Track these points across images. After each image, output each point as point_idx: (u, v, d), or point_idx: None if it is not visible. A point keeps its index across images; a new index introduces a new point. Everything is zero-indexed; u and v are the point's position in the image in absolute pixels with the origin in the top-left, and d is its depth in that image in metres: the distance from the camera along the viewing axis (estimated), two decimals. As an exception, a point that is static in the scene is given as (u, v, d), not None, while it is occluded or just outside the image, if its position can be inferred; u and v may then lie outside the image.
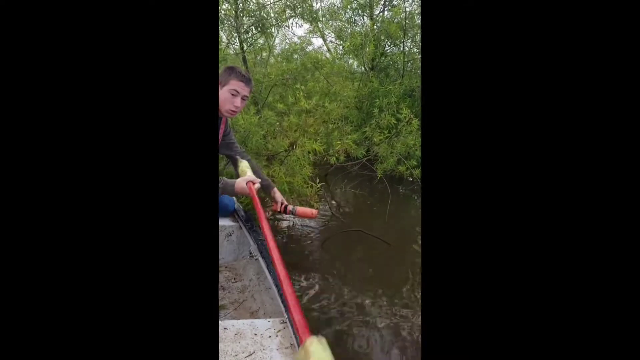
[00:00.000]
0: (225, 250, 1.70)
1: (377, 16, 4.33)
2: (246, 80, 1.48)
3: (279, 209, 1.83)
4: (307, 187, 2.48)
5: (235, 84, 1.45)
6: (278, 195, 1.85)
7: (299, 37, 6.19)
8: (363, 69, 4.33)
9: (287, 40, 6.39)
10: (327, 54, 5.34)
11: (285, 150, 2.63)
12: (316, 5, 5.40)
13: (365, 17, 4.50)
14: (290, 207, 1.82)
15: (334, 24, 4.85)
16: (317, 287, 1.86)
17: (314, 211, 1.82)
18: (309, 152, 2.47)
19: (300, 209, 1.82)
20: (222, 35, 3.38)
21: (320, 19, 5.24)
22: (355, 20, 4.53)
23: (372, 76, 3.93)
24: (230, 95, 1.45)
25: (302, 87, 3.22)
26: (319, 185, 2.47)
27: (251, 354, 0.92)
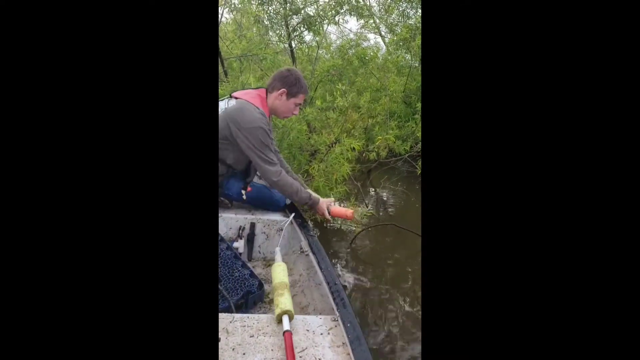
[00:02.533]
0: (277, 244, 1.68)
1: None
2: (307, 92, 1.70)
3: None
4: (342, 187, 2.48)
5: (301, 98, 1.66)
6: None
7: (355, 34, 6.19)
8: (415, 62, 4.21)
9: (343, 37, 6.43)
10: (383, 49, 5.27)
11: (328, 147, 2.67)
12: (371, 1, 5.35)
13: (419, 10, 4.36)
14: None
15: (389, 18, 4.77)
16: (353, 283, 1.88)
17: (349, 211, 1.73)
18: (348, 150, 2.47)
19: (335, 210, 1.74)
20: (273, 35, 3.51)
21: (376, 13, 5.19)
22: (408, 13, 4.42)
23: (420, 69, 3.81)
24: (294, 106, 1.65)
25: (342, 85, 3.23)
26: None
27: (304, 350, 0.94)
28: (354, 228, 2.40)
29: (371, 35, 6.08)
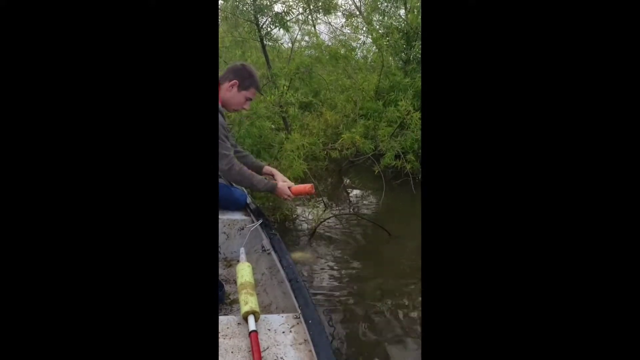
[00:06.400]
0: (238, 244, 1.68)
1: (410, 8, 4.11)
2: (259, 87, 1.72)
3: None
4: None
5: (253, 93, 1.67)
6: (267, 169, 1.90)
7: (343, 34, 6.16)
8: (396, 62, 4.16)
9: (335, 37, 6.40)
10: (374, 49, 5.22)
11: (279, 144, 2.65)
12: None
13: (401, 9, 4.31)
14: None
15: (372, 17, 4.73)
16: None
17: (308, 186, 1.74)
18: (298, 148, 2.44)
19: (295, 188, 1.75)
20: (242, 32, 3.51)
21: (362, 12, 5.15)
22: (389, 12, 4.36)
23: (394, 68, 3.78)
24: (244, 100, 1.66)
25: (312, 83, 3.21)
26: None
27: (266, 349, 0.92)
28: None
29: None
